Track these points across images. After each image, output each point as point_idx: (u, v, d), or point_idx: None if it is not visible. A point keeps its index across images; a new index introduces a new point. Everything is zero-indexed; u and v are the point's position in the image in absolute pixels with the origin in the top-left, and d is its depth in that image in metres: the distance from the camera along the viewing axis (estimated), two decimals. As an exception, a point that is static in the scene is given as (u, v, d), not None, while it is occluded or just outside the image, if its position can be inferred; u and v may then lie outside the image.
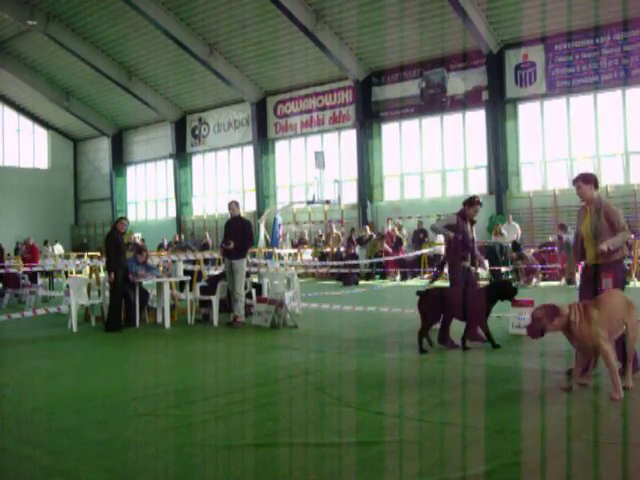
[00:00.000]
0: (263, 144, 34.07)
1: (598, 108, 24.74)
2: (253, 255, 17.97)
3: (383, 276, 24.59)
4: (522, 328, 9.91)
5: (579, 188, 7.67)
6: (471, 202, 10.17)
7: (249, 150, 34.90)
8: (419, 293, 9.55)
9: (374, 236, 25.82)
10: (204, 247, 28.37)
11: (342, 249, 26.35)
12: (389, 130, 30.15)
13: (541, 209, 25.52)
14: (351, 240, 26.19)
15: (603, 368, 7.38)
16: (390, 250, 24.55)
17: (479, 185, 27.47)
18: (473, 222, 10.27)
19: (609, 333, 6.62)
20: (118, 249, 12.55)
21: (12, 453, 5.30)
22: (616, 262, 7.41)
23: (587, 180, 7.66)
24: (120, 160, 42.68)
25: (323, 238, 28.87)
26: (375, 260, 23.90)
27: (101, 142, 43.88)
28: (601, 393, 6.63)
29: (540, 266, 21.07)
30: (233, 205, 13.00)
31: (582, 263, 7.83)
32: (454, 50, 26.96)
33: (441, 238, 24.67)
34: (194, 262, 16.41)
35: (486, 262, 11.45)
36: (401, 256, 23.95)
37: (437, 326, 9.65)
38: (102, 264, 15.11)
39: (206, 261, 17.64)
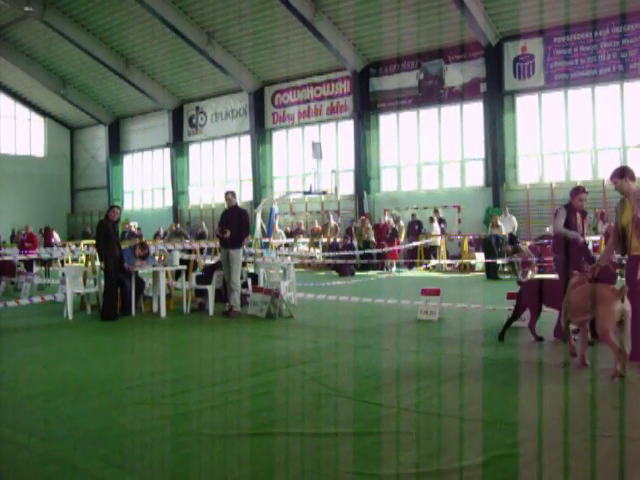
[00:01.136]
0: (260, 134, 34.01)
1: (596, 101, 24.73)
2: (250, 245, 17.95)
3: (374, 267, 24.45)
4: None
5: (616, 184, 7.82)
6: (575, 192, 9.42)
7: (246, 140, 34.84)
8: (520, 283, 9.69)
9: (358, 225, 25.79)
10: (201, 236, 28.32)
11: (338, 240, 26.33)
12: (386, 121, 30.10)
13: (538, 202, 25.54)
14: (350, 231, 26.17)
15: (600, 361, 7.39)
16: (374, 241, 24.53)
17: (476, 177, 27.49)
18: (584, 213, 9.52)
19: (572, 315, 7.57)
20: (108, 238, 12.48)
21: (7, 441, 5.30)
22: None
23: (622, 174, 7.73)
24: (117, 149, 42.58)
25: (318, 227, 28.80)
26: (359, 252, 23.80)
27: (98, 130, 43.75)
28: (597, 386, 6.64)
29: (536, 259, 21.07)
30: (229, 195, 12.96)
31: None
32: (452, 42, 26.91)
33: (437, 230, 24.84)
34: (190, 251, 16.39)
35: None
36: (389, 248, 23.89)
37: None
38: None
39: (202, 250, 17.62)
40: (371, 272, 23.31)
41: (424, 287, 12.26)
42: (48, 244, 28.74)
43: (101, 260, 12.51)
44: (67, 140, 46.10)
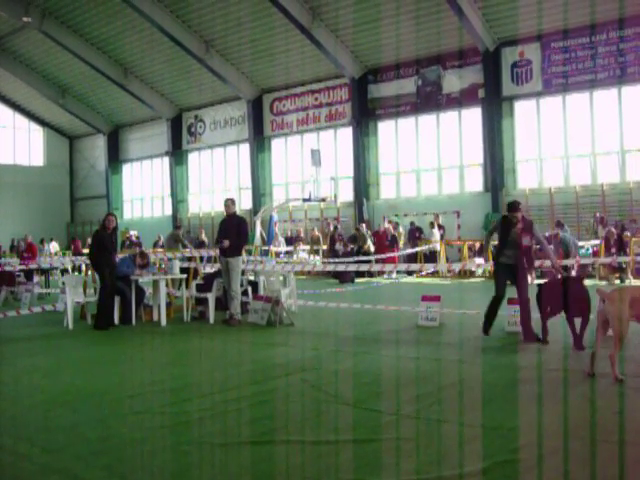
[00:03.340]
0: (259, 142, 34.04)
1: (594, 106, 24.76)
2: (249, 253, 17.92)
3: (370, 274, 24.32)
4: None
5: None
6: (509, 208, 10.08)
7: (245, 148, 34.87)
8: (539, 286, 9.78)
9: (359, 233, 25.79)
10: (200, 245, 28.32)
11: (337, 246, 26.30)
12: (385, 128, 30.14)
13: (537, 207, 25.55)
14: (333, 238, 26.13)
15: (600, 365, 7.36)
16: (372, 248, 24.53)
17: (475, 183, 27.51)
18: (516, 223, 9.93)
19: None
20: (103, 247, 12.43)
21: (8, 451, 5.29)
22: None
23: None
24: (116, 157, 42.61)
25: (317, 234, 28.78)
26: (349, 259, 23.69)
27: (97, 139, 43.80)
28: (597, 391, 6.64)
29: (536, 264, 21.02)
30: (229, 203, 12.96)
31: None
32: (450, 48, 26.97)
33: (437, 236, 24.83)
34: (190, 259, 16.40)
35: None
36: (384, 255, 23.85)
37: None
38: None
39: (202, 259, 17.63)
40: (372, 279, 23.29)
41: (424, 293, 12.27)
42: (77, 253, 28.98)
43: (95, 270, 12.53)
44: (66, 149, 46.14)
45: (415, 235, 26.26)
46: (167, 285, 13.58)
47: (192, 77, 34.42)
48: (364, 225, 26.53)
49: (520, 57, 25.81)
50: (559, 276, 10.16)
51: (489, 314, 9.99)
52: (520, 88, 26.01)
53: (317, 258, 26.21)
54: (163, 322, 12.55)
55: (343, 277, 22.37)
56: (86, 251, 26.82)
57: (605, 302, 6.98)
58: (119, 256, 14.16)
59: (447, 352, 9.01)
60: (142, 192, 41.87)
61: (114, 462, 4.93)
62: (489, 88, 26.35)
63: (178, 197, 38.34)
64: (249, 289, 14.07)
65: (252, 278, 15.32)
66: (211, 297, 12.85)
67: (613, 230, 20.25)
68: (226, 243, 12.32)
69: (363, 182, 30.01)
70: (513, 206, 9.91)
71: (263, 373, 7.98)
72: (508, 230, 9.90)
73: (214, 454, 5.06)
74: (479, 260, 22.16)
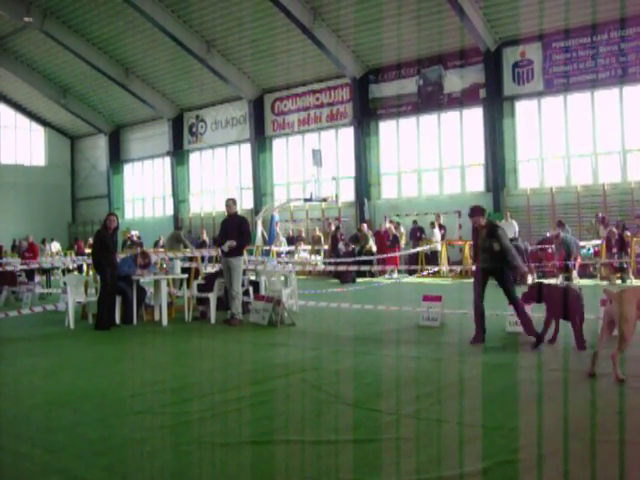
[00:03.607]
0: (260, 142, 34.04)
1: (595, 106, 24.72)
2: (250, 253, 17.91)
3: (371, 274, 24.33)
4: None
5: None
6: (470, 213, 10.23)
7: (246, 148, 34.86)
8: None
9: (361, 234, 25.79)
10: (201, 245, 28.31)
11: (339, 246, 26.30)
12: (386, 128, 30.11)
13: (538, 207, 25.53)
14: (335, 238, 26.12)
15: (601, 366, 7.36)
16: (374, 248, 24.53)
17: (476, 183, 27.48)
18: (480, 228, 10.07)
19: None
20: (104, 248, 12.44)
21: (9, 451, 5.30)
22: None
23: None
24: (117, 157, 42.61)
25: (319, 234, 28.78)
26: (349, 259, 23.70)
27: (98, 139, 43.79)
28: (598, 391, 6.64)
29: (537, 264, 21.05)
30: (230, 202, 12.98)
31: None
32: (451, 48, 26.94)
33: (437, 236, 24.83)
34: (191, 259, 16.40)
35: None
36: (385, 255, 23.88)
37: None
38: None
39: (203, 259, 17.62)
40: (373, 279, 23.29)
41: (425, 293, 12.27)
42: (80, 253, 29.12)
43: (97, 270, 12.54)
44: (67, 149, 46.15)
45: (417, 235, 26.24)
46: (168, 285, 13.58)
47: (193, 77, 34.41)
48: (365, 225, 26.52)
49: (521, 57, 25.79)
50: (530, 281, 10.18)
51: (476, 321, 9.74)
52: (521, 88, 25.98)
53: (318, 258, 26.22)
54: (164, 322, 12.55)
55: (344, 277, 22.37)
56: (88, 251, 26.86)
57: (612, 302, 6.96)
58: (120, 256, 14.17)
59: (448, 352, 9.01)
60: (143, 192, 41.86)
61: (115, 462, 4.93)
62: (490, 88, 26.33)
63: (179, 197, 38.33)
64: (250, 289, 14.08)
65: (253, 278, 15.32)
66: (212, 297, 12.85)
67: (614, 230, 20.24)
68: (233, 244, 12.31)
69: (364, 182, 30.00)
70: (473, 211, 9.97)
71: (264, 373, 7.98)
72: (477, 236, 9.94)
73: (214, 454, 5.06)
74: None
